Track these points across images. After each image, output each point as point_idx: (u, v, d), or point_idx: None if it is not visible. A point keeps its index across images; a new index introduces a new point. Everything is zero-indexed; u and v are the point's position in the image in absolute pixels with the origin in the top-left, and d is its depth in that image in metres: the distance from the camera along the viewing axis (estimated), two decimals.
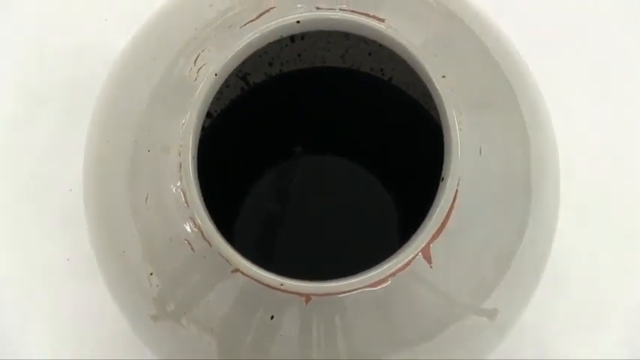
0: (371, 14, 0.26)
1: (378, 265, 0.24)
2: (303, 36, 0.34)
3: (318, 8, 0.26)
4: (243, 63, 0.26)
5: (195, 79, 0.26)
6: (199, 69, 0.26)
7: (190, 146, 0.25)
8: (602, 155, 0.39)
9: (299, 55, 0.35)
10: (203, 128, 0.26)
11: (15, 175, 0.39)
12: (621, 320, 0.38)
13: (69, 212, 0.37)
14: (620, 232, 0.38)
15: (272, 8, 0.26)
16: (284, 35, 0.26)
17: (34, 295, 0.38)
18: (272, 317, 0.25)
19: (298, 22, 0.26)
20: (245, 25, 0.26)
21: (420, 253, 0.25)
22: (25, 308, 0.38)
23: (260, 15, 0.26)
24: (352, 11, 0.26)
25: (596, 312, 0.38)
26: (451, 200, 0.25)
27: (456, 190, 0.25)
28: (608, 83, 0.40)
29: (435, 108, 0.26)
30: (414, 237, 0.25)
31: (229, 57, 0.25)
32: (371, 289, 0.24)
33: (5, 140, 0.39)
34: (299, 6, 0.26)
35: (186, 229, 0.25)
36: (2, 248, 0.38)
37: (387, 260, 0.24)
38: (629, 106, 0.39)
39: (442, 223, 0.25)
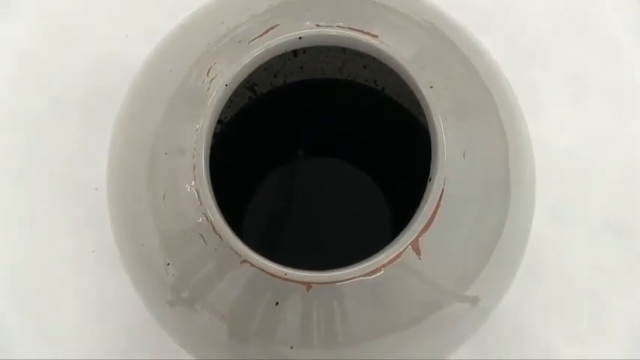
0: (365, 31, 0.26)
1: (372, 257, 0.25)
2: (304, 50, 0.35)
3: (318, 25, 0.26)
4: (251, 75, 0.26)
5: (208, 89, 0.26)
6: (211, 80, 0.26)
7: (203, 149, 0.25)
8: (572, 157, 0.39)
9: (301, 68, 0.36)
10: (215, 133, 0.26)
11: (46, 175, 0.39)
12: (590, 305, 0.38)
13: (94, 209, 0.37)
14: (588, 225, 0.38)
15: (277, 26, 0.26)
16: (287, 50, 0.26)
17: (64, 283, 0.38)
18: (277, 303, 0.25)
19: (300, 37, 0.26)
20: (252, 40, 0.26)
21: (409, 246, 0.25)
22: (56, 294, 0.38)
23: (266, 31, 0.26)
24: (349, 28, 0.26)
25: (567, 298, 0.38)
26: (438, 198, 0.25)
27: (442, 189, 0.25)
28: (577, 94, 0.40)
29: (423, 115, 0.26)
30: (404, 231, 0.25)
31: (238, 69, 0.25)
32: (366, 277, 0.24)
33: (37, 143, 0.39)
34: (301, 24, 0.26)
35: (199, 224, 0.25)
36: (35, 241, 0.38)
37: (380, 252, 0.25)
38: (595, 113, 0.40)
39: (429, 219, 0.25)
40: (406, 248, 0.25)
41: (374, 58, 0.26)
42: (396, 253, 0.24)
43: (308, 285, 0.25)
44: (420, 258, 0.25)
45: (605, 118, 0.40)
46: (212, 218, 0.25)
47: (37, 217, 0.38)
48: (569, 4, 0.41)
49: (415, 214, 0.25)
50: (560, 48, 0.40)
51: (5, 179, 0.39)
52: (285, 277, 0.24)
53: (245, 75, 0.26)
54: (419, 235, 0.25)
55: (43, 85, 0.40)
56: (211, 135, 0.25)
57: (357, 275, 0.24)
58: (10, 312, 0.38)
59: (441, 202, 0.25)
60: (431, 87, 0.25)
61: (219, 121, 0.34)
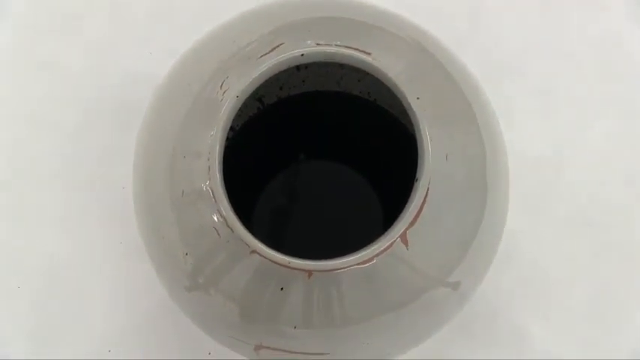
0: (360, 49, 0.26)
1: (365, 247, 0.25)
2: (306, 66, 0.34)
3: (318, 44, 0.26)
4: (259, 87, 0.26)
5: (221, 100, 0.26)
6: (224, 92, 0.26)
7: (217, 153, 0.25)
8: (542, 159, 0.39)
9: (303, 81, 0.35)
10: (227, 139, 0.26)
11: (79, 175, 0.39)
12: (557, 289, 0.38)
13: (122, 205, 0.37)
14: (556, 219, 0.38)
15: (282, 44, 0.26)
16: (291, 65, 0.26)
17: (94, 271, 0.38)
18: (282, 289, 0.25)
19: (302, 55, 0.26)
20: (260, 57, 0.26)
21: (399, 238, 0.25)
22: (88, 280, 0.38)
23: (272, 49, 0.26)
24: (345, 47, 0.26)
25: (537, 284, 0.38)
26: (423, 196, 0.25)
27: (427, 188, 0.25)
28: (546, 105, 0.40)
29: (410, 123, 0.26)
30: (394, 225, 0.25)
31: (248, 82, 0.25)
32: (360, 266, 0.25)
33: (71, 147, 0.39)
34: (303, 42, 0.26)
35: (213, 219, 0.25)
36: (69, 234, 0.38)
37: (373, 243, 0.25)
38: (561, 122, 0.40)
39: (416, 214, 0.25)
40: (396, 240, 0.25)
41: (367, 73, 0.26)
42: (386, 244, 0.24)
43: (309, 272, 0.25)
44: (407, 249, 0.25)
45: (570, 126, 0.40)
46: (225, 214, 0.25)
47: (72, 212, 0.38)
48: (538, 24, 0.41)
49: (404, 210, 0.25)
50: (531, 64, 0.40)
51: (43, 179, 0.39)
52: (289, 265, 0.24)
53: (254, 88, 0.26)
54: (407, 229, 0.25)
55: (77, 97, 0.40)
56: (224, 140, 0.25)
57: (353, 264, 0.24)
58: (49, 297, 0.38)
59: (427, 200, 0.25)
60: (417, 98, 0.25)
61: (231, 128, 0.34)
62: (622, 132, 0.39)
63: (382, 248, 0.24)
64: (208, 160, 0.25)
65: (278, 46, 0.26)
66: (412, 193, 0.25)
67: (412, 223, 0.25)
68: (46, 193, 0.39)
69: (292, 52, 0.26)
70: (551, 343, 0.37)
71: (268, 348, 0.27)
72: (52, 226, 0.38)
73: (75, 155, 0.39)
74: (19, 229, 0.38)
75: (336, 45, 0.26)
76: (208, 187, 0.25)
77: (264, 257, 0.24)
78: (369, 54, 0.26)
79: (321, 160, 0.38)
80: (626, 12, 0.41)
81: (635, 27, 0.40)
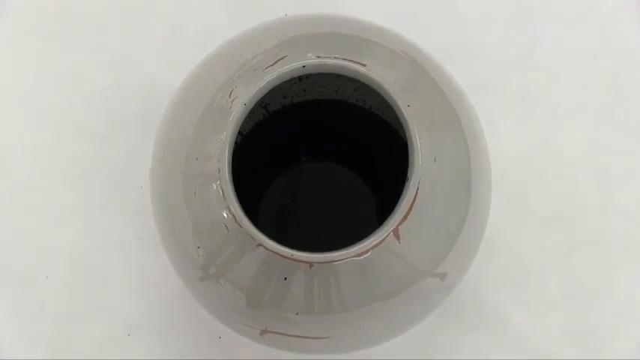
0: (356, 61, 0.26)
1: (361, 241, 0.25)
2: (307, 76, 0.34)
3: (318, 57, 0.26)
4: (265, 96, 0.26)
5: (230, 107, 0.26)
6: (233, 100, 0.26)
7: (226, 155, 0.25)
8: (520, 160, 0.39)
9: (305, 90, 0.35)
10: (235, 143, 0.26)
11: (100, 176, 0.39)
12: (534, 279, 0.37)
13: (140, 203, 0.37)
14: (533, 214, 0.38)
15: (285, 57, 0.26)
16: (294, 76, 0.26)
17: (116, 263, 0.38)
18: (285, 278, 0.25)
19: (304, 66, 0.26)
20: (266, 68, 0.26)
21: (391, 233, 0.25)
22: (109, 272, 0.38)
23: (276, 61, 0.26)
24: (343, 59, 0.26)
25: (516, 274, 0.38)
26: (414, 195, 0.25)
27: (417, 188, 0.25)
28: (523, 111, 0.40)
29: (402, 128, 0.25)
30: (387, 221, 0.25)
31: (254, 91, 0.25)
32: (356, 258, 0.24)
33: (94, 150, 0.39)
34: (305, 55, 0.26)
35: (223, 215, 0.25)
36: (93, 228, 0.38)
37: (368, 237, 0.25)
38: (537, 127, 0.39)
39: (407, 211, 0.25)
40: (388, 234, 0.24)
41: (363, 83, 0.26)
42: (380, 238, 0.24)
43: (310, 264, 0.24)
44: (399, 242, 0.25)
45: (545, 130, 0.39)
46: (234, 211, 0.25)
47: (95, 209, 0.38)
48: (516, 38, 0.41)
49: (396, 207, 0.25)
50: (510, 74, 0.40)
51: (68, 179, 0.39)
52: (292, 257, 0.24)
53: (260, 96, 0.26)
54: (399, 224, 0.25)
55: (101, 105, 0.40)
56: (233, 144, 0.25)
57: (350, 256, 0.24)
58: (75, 286, 0.37)
59: (417, 198, 0.25)
60: (408, 106, 0.25)
61: (239, 133, 0.34)
62: (592, 135, 0.39)
63: (376, 242, 0.24)
64: (218, 162, 0.25)
65: (282, 59, 0.26)
66: (403, 192, 0.25)
67: (403, 219, 0.25)
68: (72, 191, 0.39)
69: (295, 63, 0.26)
70: (527, 327, 0.37)
71: (273, 332, 0.27)
72: (78, 221, 0.38)
73: (98, 157, 0.39)
74: (48, 224, 0.38)
75: (334, 57, 0.26)
76: (218, 187, 0.25)
77: (269, 250, 0.24)
78: (364, 65, 0.26)
79: (321, 161, 0.38)
80: (597, 28, 0.40)
81: (605, 41, 0.40)
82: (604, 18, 0.41)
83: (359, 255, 0.24)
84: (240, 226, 0.25)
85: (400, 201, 0.25)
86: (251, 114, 0.33)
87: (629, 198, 0.38)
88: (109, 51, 0.40)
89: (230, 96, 0.26)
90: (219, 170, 0.25)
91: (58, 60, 0.40)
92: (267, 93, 0.26)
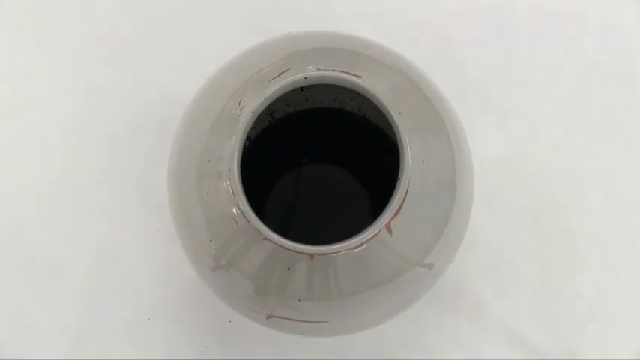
0: (352, 73, 0.26)
1: (357, 235, 0.24)
2: (309, 87, 0.34)
3: (319, 69, 0.26)
4: (270, 104, 0.26)
5: (239, 115, 0.25)
6: (242, 108, 0.26)
7: (236, 158, 0.25)
8: (499, 163, 0.39)
9: (306, 99, 0.35)
10: (244, 147, 0.25)
11: (124, 177, 0.39)
12: (511, 269, 0.37)
13: (159, 200, 0.36)
14: (511, 211, 0.38)
15: (289, 69, 0.26)
16: (296, 86, 0.26)
17: (137, 255, 0.37)
18: (288, 269, 0.25)
19: (305, 77, 0.26)
20: (271, 80, 0.26)
21: (384, 227, 0.24)
22: (131, 263, 0.37)
23: (281, 73, 0.26)
24: (340, 71, 0.26)
25: (495, 265, 0.37)
26: (404, 193, 0.24)
27: (408, 187, 0.25)
28: (502, 118, 0.40)
29: (393, 133, 0.25)
30: (380, 216, 0.24)
31: (261, 101, 0.25)
32: (353, 250, 0.24)
33: (118, 154, 0.39)
34: (306, 68, 0.26)
35: (233, 212, 0.25)
36: (116, 224, 0.38)
37: (363, 232, 0.24)
38: (514, 132, 0.39)
39: (399, 208, 0.24)
40: (381, 229, 0.24)
41: (358, 93, 0.26)
42: (374, 232, 0.24)
43: (311, 255, 0.24)
44: (391, 236, 0.25)
45: (522, 134, 0.39)
46: (242, 207, 0.24)
47: (118, 206, 0.38)
48: (496, 52, 0.40)
49: (388, 204, 0.25)
50: (490, 84, 0.40)
51: (94, 180, 0.39)
52: (295, 249, 0.24)
53: (266, 105, 0.25)
54: (391, 220, 0.24)
55: (123, 113, 0.40)
56: (242, 148, 0.25)
57: (347, 248, 0.24)
58: (100, 276, 0.37)
59: (407, 196, 0.24)
60: (399, 113, 0.25)
61: (248, 138, 0.34)
62: (564, 140, 0.39)
63: (370, 235, 0.24)
64: (229, 163, 0.25)
65: (285, 71, 0.26)
66: (395, 191, 0.25)
67: (395, 215, 0.24)
68: (97, 191, 0.38)
69: (297, 75, 0.25)
70: (504, 311, 0.36)
71: (278, 317, 0.27)
72: (103, 219, 0.38)
73: (121, 160, 0.39)
74: (75, 221, 0.38)
75: (333, 70, 0.26)
76: (229, 186, 0.25)
77: (274, 243, 0.24)
78: (359, 77, 0.26)
79: (321, 163, 0.38)
80: (563, 45, 0.40)
81: (574, 57, 0.40)
82: (569, 38, 0.40)
83: (355, 247, 0.24)
84: (248, 221, 0.24)
85: (392, 198, 0.24)
86: (258, 121, 0.33)
87: (594, 196, 0.38)
88: (130, 63, 0.40)
89: (239, 104, 0.26)
90: (230, 171, 0.25)
91: (92, 73, 0.40)
92: (273, 102, 0.26)
